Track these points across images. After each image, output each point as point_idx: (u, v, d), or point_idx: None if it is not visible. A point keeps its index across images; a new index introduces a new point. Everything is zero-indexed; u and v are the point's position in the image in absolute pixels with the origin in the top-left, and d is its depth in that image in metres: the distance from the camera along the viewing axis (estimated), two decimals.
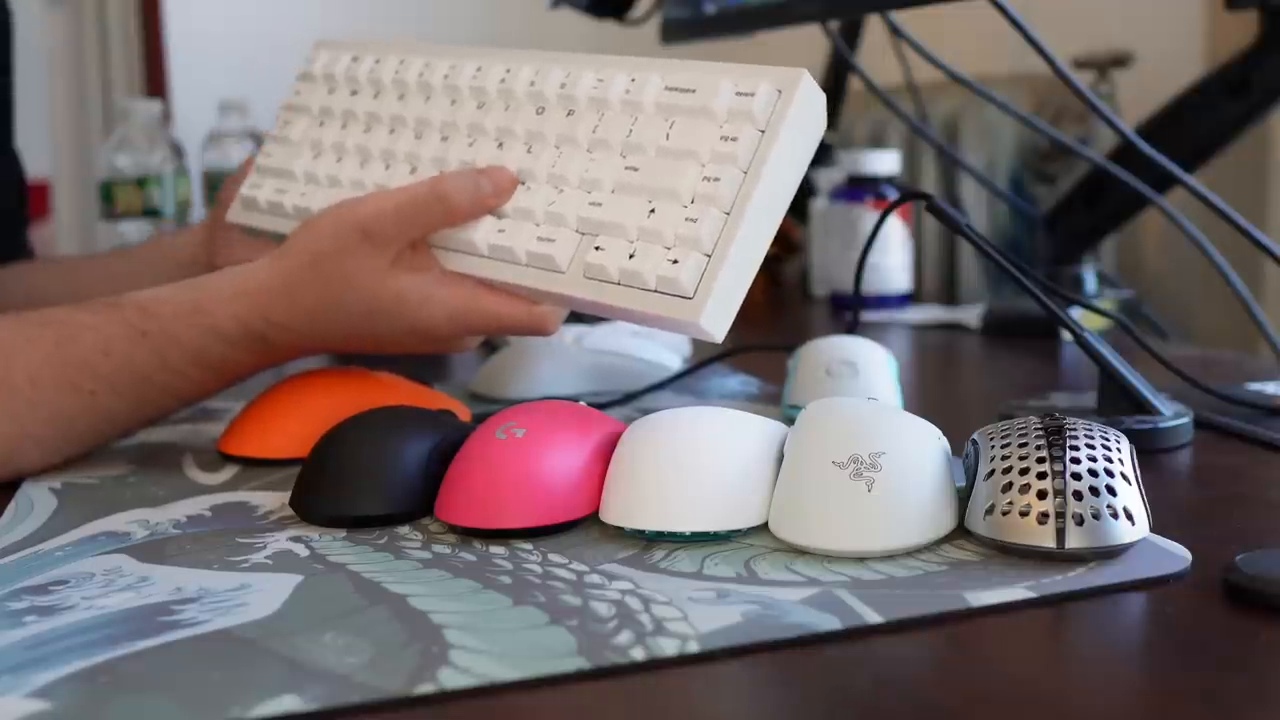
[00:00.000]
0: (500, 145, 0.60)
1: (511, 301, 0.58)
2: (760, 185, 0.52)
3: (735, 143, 0.52)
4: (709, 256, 0.52)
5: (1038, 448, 0.45)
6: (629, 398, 0.72)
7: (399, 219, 0.57)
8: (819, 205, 1.29)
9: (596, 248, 0.54)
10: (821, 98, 0.54)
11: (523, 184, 0.59)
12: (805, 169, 0.54)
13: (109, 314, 0.58)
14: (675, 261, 0.52)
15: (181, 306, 0.58)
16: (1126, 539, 0.43)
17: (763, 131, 0.52)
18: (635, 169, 0.55)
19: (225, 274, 0.60)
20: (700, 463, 0.47)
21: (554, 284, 0.56)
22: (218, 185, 1.24)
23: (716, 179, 0.52)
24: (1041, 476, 0.44)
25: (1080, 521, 0.43)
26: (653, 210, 0.53)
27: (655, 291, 0.52)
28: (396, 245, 0.58)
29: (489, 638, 0.38)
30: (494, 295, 0.58)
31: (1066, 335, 0.75)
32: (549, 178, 0.58)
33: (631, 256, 0.53)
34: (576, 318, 0.89)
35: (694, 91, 0.54)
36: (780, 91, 0.53)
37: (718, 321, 0.52)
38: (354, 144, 0.66)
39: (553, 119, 0.59)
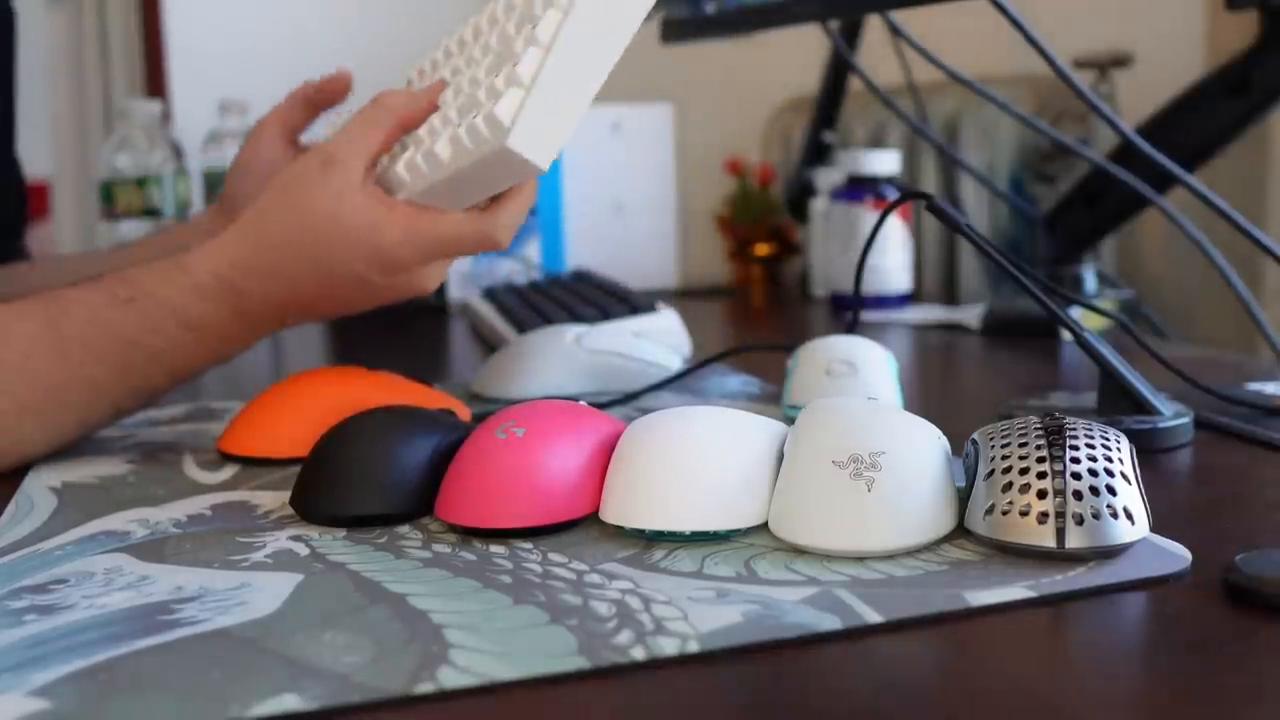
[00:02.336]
0: (453, 73, 0.65)
1: (460, 218, 0.60)
2: (576, 16, 0.54)
3: None
4: (526, 90, 0.54)
5: (1038, 447, 0.45)
6: (629, 398, 0.72)
7: (351, 136, 0.60)
8: (819, 205, 1.29)
9: (458, 126, 0.57)
10: None
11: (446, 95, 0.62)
12: (643, 13, 0.56)
13: (95, 288, 0.60)
14: (498, 101, 0.54)
15: (166, 268, 0.60)
16: (1126, 539, 0.43)
17: None
18: (500, 50, 0.58)
19: (212, 235, 0.62)
20: (700, 463, 0.47)
21: (438, 173, 0.58)
22: (218, 185, 1.24)
23: (538, 22, 0.55)
24: (1041, 476, 0.44)
25: (1080, 521, 0.43)
26: (498, 75, 0.56)
27: (487, 138, 0.55)
28: (355, 165, 0.60)
29: (489, 637, 0.38)
30: (443, 214, 0.60)
31: (1066, 335, 0.75)
32: (454, 87, 0.62)
33: (476, 118, 0.55)
34: (576, 317, 0.89)
35: None
36: None
37: (532, 146, 0.54)
38: None
39: (478, 39, 0.64)
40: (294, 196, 0.60)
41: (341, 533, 0.49)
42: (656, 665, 0.36)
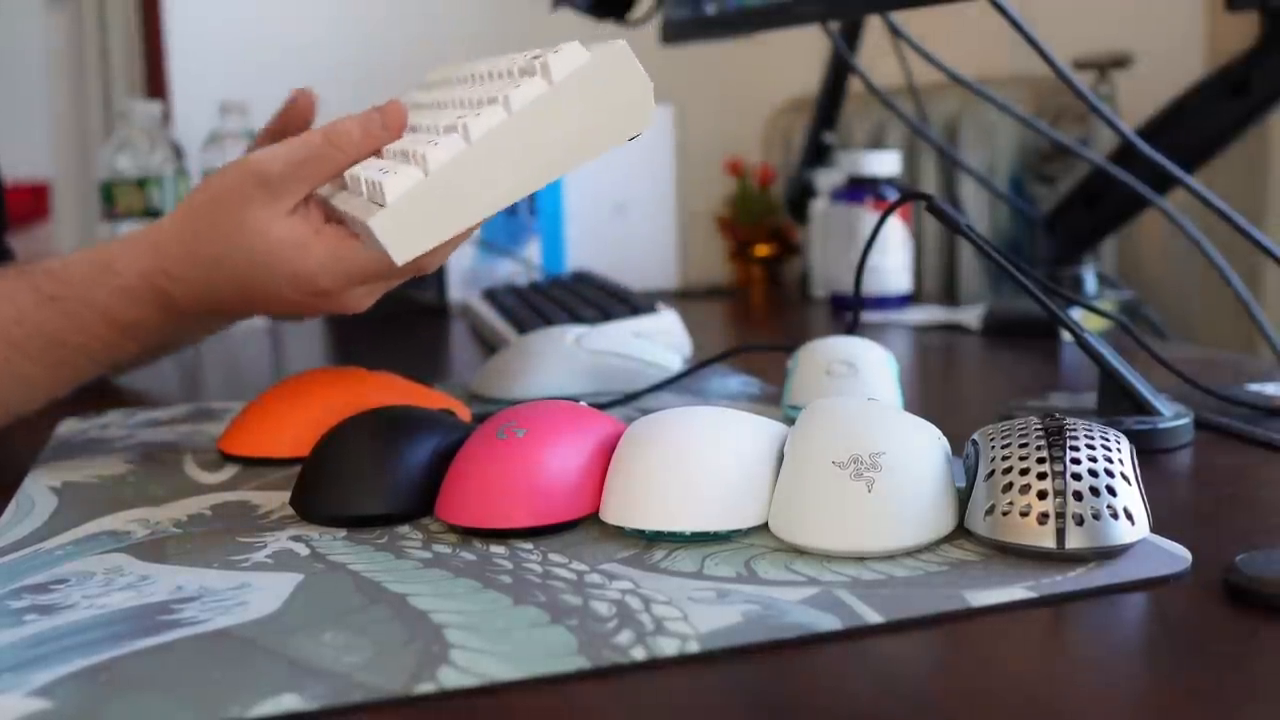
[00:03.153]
0: (428, 105, 0.62)
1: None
2: (515, 126, 0.52)
3: (519, 89, 0.52)
4: (426, 175, 0.52)
5: (1038, 448, 0.45)
6: (629, 398, 0.72)
7: (296, 165, 0.57)
8: (819, 206, 1.29)
9: (382, 170, 0.55)
10: (641, 80, 0.53)
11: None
12: (606, 143, 0.53)
13: (19, 281, 0.59)
14: (396, 174, 0.52)
15: (94, 268, 0.59)
16: (1126, 539, 0.43)
17: (549, 85, 0.52)
18: (463, 116, 0.55)
19: (138, 231, 0.61)
20: (700, 463, 0.47)
21: (348, 204, 0.56)
22: None
23: (479, 114, 0.52)
24: (1041, 477, 0.44)
25: (1080, 521, 0.43)
26: (433, 142, 0.53)
27: (373, 201, 0.53)
28: (293, 193, 0.58)
29: (489, 637, 0.38)
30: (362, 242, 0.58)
31: (1066, 335, 0.75)
32: (417, 126, 0.59)
33: (386, 173, 0.53)
34: (576, 318, 0.89)
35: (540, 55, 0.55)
36: (588, 55, 0.53)
37: (392, 232, 0.52)
38: None
39: (460, 88, 0.60)
40: (225, 211, 0.58)
41: (342, 533, 0.49)
42: (656, 665, 0.36)
